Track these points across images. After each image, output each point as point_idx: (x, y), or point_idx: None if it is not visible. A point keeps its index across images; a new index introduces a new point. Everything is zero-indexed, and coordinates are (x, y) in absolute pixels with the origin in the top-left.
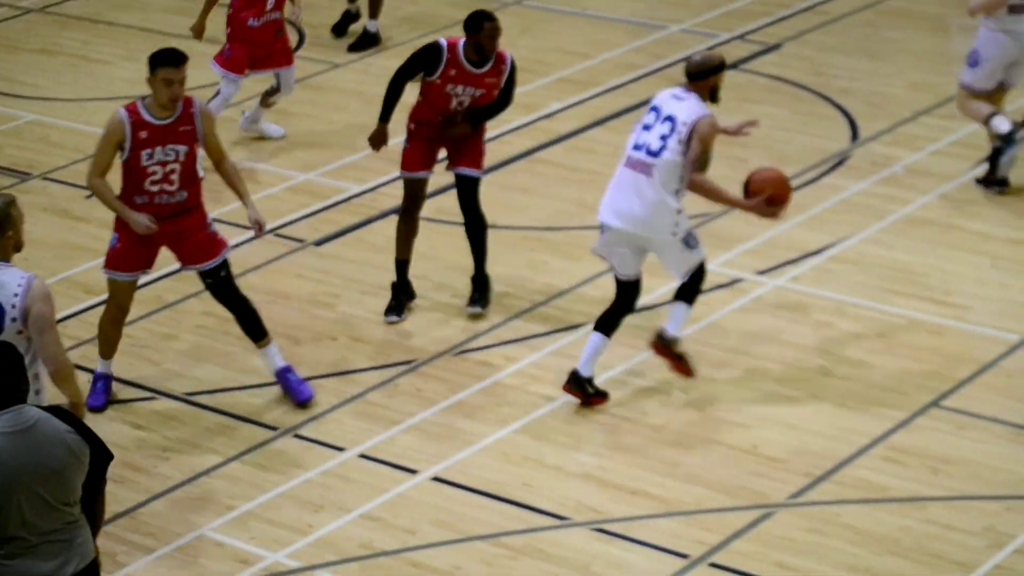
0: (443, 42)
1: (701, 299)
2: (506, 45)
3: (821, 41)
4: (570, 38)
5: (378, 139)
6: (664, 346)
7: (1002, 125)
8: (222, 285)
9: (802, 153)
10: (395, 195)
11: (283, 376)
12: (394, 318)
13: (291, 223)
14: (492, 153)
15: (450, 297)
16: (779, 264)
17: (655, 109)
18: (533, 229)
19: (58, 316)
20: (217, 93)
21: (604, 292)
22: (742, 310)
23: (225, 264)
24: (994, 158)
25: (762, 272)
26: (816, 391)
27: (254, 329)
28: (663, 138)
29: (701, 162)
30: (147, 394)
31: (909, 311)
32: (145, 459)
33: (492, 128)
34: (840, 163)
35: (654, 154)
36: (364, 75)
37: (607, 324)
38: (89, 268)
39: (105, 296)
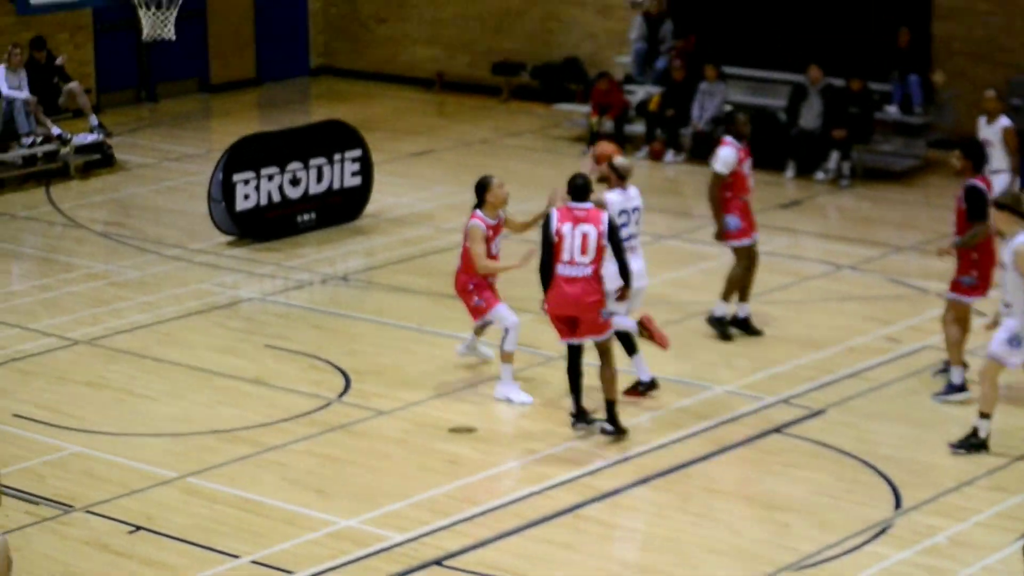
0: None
1: None
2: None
3: (865, 407)
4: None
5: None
6: None
7: None
8: None
9: (845, 520)
10: (438, 545)
11: None
12: None
13: (331, 570)
14: (536, 507)
15: None
16: None
17: None
18: None
19: None
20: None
21: None
22: None
23: None
24: None
25: None
26: None
27: None
28: None
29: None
30: None
31: None
32: None
33: (534, 482)
34: (883, 531)
35: None
36: (408, 423)
37: None
38: None
39: None
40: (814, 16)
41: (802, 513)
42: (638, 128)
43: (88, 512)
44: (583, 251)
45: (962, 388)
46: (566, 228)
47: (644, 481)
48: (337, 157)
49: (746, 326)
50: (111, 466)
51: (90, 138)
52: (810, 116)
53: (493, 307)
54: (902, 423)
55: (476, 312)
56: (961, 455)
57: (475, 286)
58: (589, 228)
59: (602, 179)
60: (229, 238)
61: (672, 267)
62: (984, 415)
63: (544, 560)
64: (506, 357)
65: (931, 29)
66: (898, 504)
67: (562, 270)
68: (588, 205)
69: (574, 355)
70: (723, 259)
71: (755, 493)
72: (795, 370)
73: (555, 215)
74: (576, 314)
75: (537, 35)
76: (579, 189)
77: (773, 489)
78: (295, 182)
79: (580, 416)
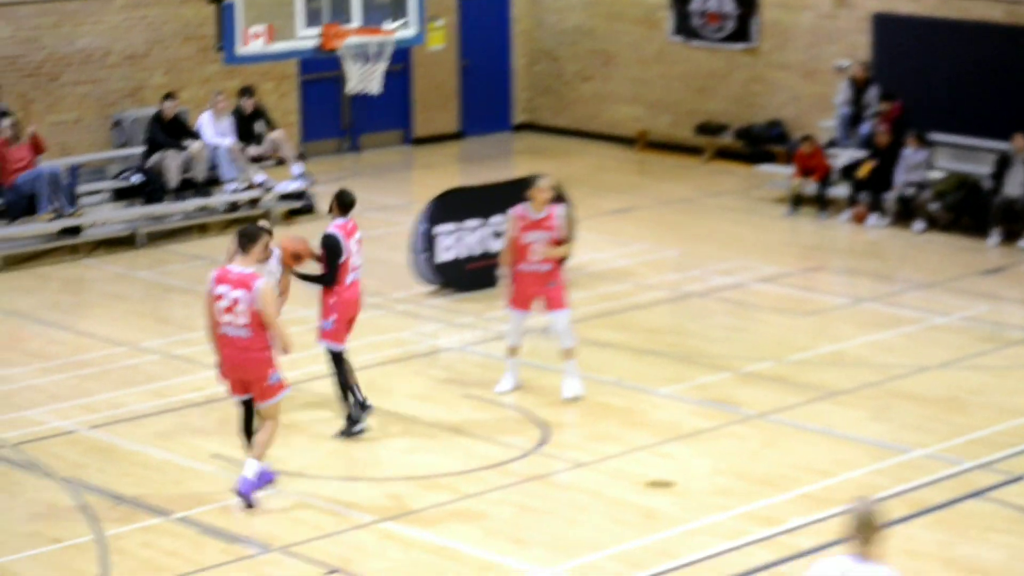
0: None
1: None
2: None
3: None
4: (813, 455)
5: None
6: None
7: None
8: None
9: None
10: None
11: None
12: None
13: None
14: (733, 564)
15: None
16: None
17: None
18: None
19: None
20: None
21: None
22: None
23: None
24: None
25: None
26: None
27: None
28: None
29: None
30: None
31: None
32: None
33: (730, 538)
34: None
35: None
36: (605, 475)
37: None
38: None
39: None
40: (1020, 84)
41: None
42: (841, 191)
43: (285, 553)
44: None
45: None
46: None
47: (842, 541)
48: None
49: None
50: (308, 508)
51: (293, 185)
52: (1015, 184)
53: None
54: None
55: None
56: None
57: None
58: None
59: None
60: (429, 288)
61: (872, 330)
62: None
63: None
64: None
65: None
66: None
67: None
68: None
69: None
70: (924, 323)
71: (954, 557)
72: (994, 436)
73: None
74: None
75: (741, 97)
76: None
77: (973, 554)
78: (497, 235)
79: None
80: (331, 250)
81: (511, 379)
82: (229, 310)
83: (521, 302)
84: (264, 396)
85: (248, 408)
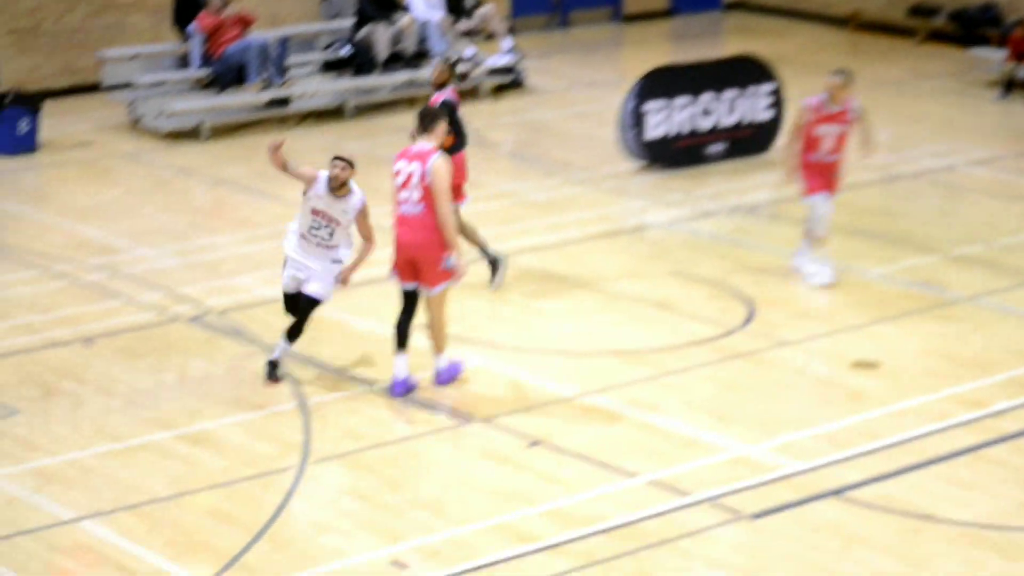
0: None
1: None
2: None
3: None
4: (1022, 339)
5: None
6: None
7: None
8: None
9: None
10: (837, 476)
11: None
12: None
13: (729, 494)
14: (938, 445)
15: None
16: None
17: None
18: (973, 525)
19: (489, 559)
20: None
21: None
22: None
23: None
24: None
25: None
26: None
27: None
28: None
29: None
30: None
31: None
32: None
33: (936, 419)
34: None
35: None
36: (811, 354)
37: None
38: (523, 517)
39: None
40: None
41: None
42: None
43: (487, 424)
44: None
45: None
46: None
47: None
48: (750, 90)
49: None
50: (511, 381)
51: (502, 60)
52: None
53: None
54: None
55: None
56: None
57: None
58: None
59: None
60: (637, 165)
61: None
62: None
63: (943, 498)
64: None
65: None
66: None
67: None
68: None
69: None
70: None
71: None
72: None
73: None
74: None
75: None
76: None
77: None
78: (707, 113)
79: None
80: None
81: (826, 270)
82: (404, 185)
83: (819, 188)
84: (433, 281)
85: (409, 302)
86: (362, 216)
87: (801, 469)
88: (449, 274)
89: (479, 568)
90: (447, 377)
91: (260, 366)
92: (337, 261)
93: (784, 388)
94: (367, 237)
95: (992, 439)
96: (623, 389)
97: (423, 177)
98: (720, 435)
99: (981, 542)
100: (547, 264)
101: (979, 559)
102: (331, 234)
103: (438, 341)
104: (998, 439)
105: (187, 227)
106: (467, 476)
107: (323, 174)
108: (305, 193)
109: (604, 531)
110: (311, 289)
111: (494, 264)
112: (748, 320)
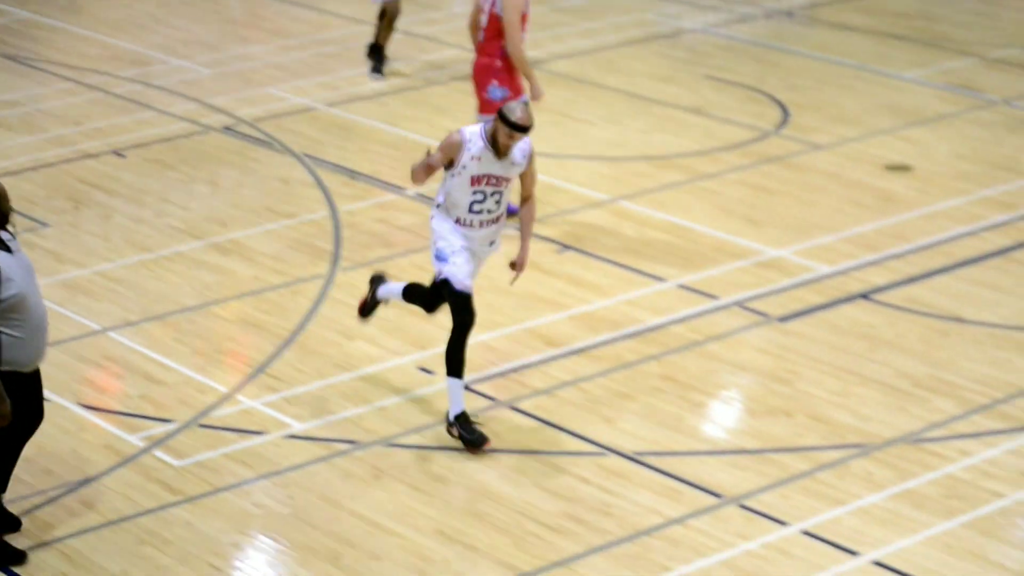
0: None
1: None
2: (991, 143)
3: None
4: None
5: None
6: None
7: None
8: None
9: None
10: (865, 279)
11: None
12: None
13: (757, 297)
14: (968, 247)
15: (910, 386)
16: None
17: None
18: (1001, 327)
19: (515, 364)
20: None
21: None
22: None
23: None
24: None
25: None
26: None
27: None
28: None
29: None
30: (597, 449)
31: None
32: (588, 512)
33: (968, 223)
34: None
35: None
36: (843, 158)
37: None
38: (551, 321)
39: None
40: None
41: None
42: None
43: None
44: None
45: None
46: None
47: None
48: None
49: None
50: (544, 186)
51: None
52: None
53: None
54: None
55: None
56: None
57: None
58: None
59: None
60: None
61: None
62: None
63: (971, 299)
64: None
65: None
66: None
67: None
68: None
69: None
70: None
71: None
72: None
73: None
74: None
75: None
76: None
77: None
78: None
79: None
80: None
81: None
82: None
83: None
84: (479, 109)
85: None
86: (531, 161)
87: (830, 272)
88: (494, 105)
89: (506, 373)
90: None
91: (291, 174)
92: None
93: (816, 192)
94: (529, 191)
95: (1023, 241)
96: (655, 194)
97: (493, 5)
98: (750, 239)
99: (1007, 343)
100: (581, 70)
101: (1005, 360)
102: (499, 200)
103: None
104: None
105: (219, 38)
106: (497, 282)
107: (470, 131)
108: (451, 168)
109: (632, 335)
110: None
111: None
112: (782, 124)
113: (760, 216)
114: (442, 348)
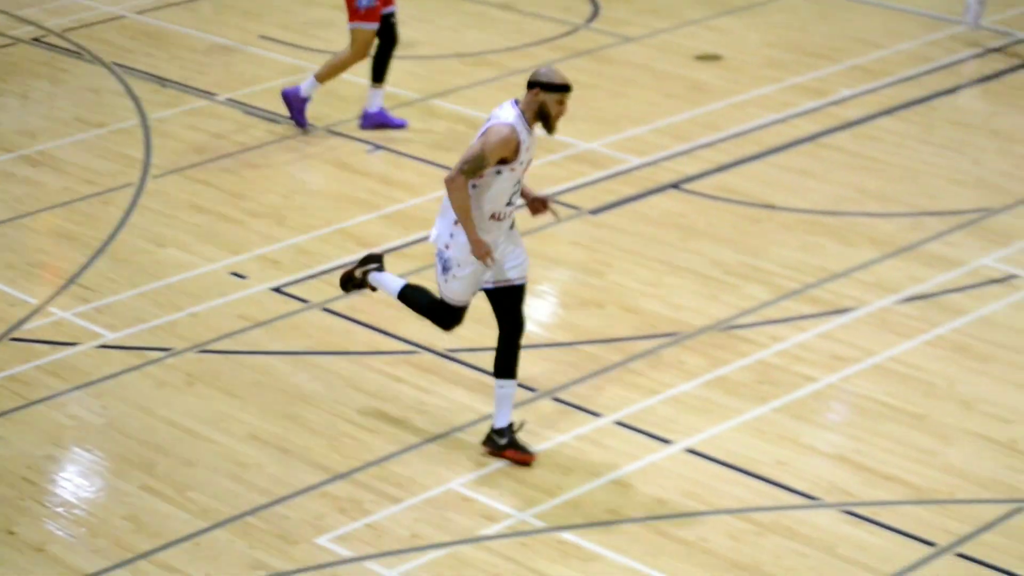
0: None
1: (974, 293)
2: (801, 30)
3: None
4: (866, 26)
5: None
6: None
7: None
8: None
9: None
10: (677, 169)
11: None
12: None
13: (569, 190)
14: (778, 135)
15: (722, 274)
16: None
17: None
18: (811, 212)
19: (328, 265)
20: None
21: (878, 278)
22: (1014, 306)
23: None
24: None
25: None
26: None
27: None
28: None
29: (472, 165)
30: (409, 348)
31: None
32: (401, 410)
33: (777, 110)
34: None
35: None
36: (654, 49)
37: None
38: (363, 221)
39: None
40: None
41: None
42: None
43: (330, 132)
44: None
45: None
46: None
47: (889, 112)
48: None
49: None
50: (350, 85)
51: None
52: None
53: None
54: None
55: None
56: None
57: None
58: None
59: None
60: None
61: None
62: None
63: (781, 186)
64: None
65: None
66: None
67: None
68: None
69: None
70: None
71: (1002, 127)
72: None
73: None
74: None
75: None
76: None
77: (1021, 124)
78: None
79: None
80: None
81: None
82: None
83: None
84: (349, 18)
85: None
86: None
87: (641, 163)
88: (361, 15)
89: (319, 275)
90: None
91: (101, 84)
92: None
93: (627, 84)
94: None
95: (833, 127)
96: (466, 91)
97: None
98: (561, 134)
99: (817, 228)
100: None
101: (815, 244)
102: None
103: (323, 69)
104: (839, 126)
105: None
106: (308, 184)
107: (513, 118)
108: (503, 165)
109: None
110: (518, 273)
111: None
112: (592, 18)
113: (571, 110)
114: (250, 253)
